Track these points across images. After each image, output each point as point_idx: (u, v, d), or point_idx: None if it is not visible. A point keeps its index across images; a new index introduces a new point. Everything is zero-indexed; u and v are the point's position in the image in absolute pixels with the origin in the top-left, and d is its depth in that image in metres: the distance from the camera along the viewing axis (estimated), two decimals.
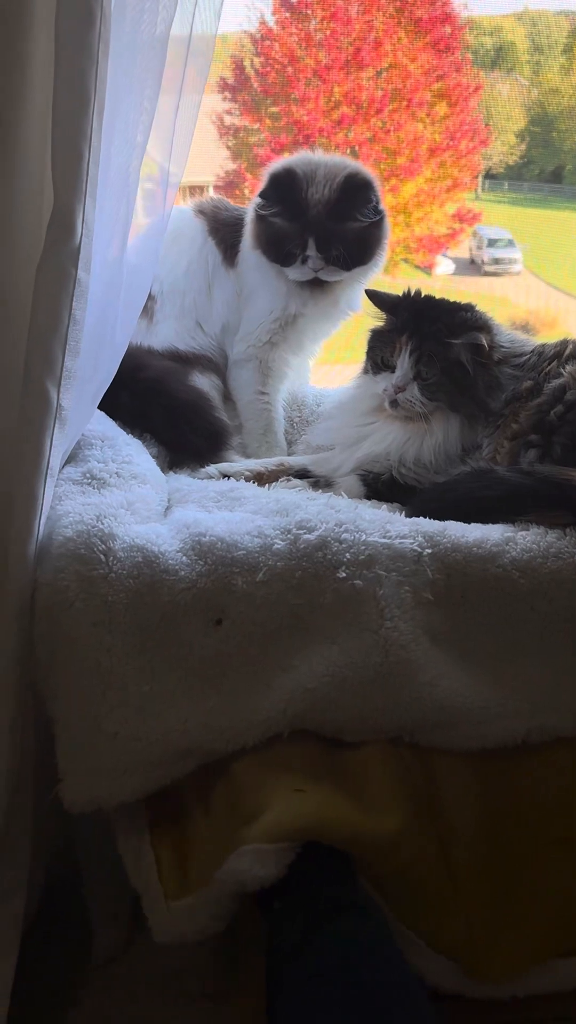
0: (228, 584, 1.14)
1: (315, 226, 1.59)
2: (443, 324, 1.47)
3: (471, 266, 12.00)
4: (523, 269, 12.03)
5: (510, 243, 12.10)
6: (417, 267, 10.70)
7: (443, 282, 11.36)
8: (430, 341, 1.46)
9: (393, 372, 1.48)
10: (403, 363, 1.47)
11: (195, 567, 1.15)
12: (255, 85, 9.37)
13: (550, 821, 1.22)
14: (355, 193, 1.60)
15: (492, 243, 11.98)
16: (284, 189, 1.60)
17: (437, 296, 1.55)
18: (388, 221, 1.69)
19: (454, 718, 1.15)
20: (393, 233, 8.10)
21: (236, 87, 9.56)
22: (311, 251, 1.59)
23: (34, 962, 1.30)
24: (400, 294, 1.55)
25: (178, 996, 1.40)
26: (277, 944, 1.05)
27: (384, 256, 1.71)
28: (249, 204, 1.70)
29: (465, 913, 1.18)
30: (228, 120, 9.59)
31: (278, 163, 1.65)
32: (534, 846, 1.21)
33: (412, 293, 1.54)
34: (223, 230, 1.73)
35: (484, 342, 1.43)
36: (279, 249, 1.62)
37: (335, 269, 1.62)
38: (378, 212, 1.63)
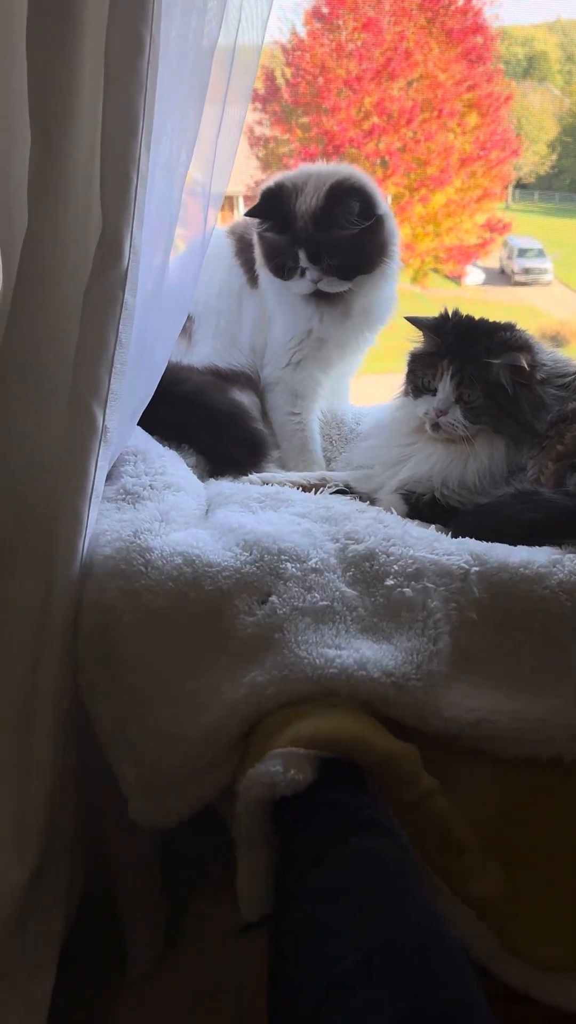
0: (276, 569, 1.14)
1: (302, 237, 1.56)
2: (483, 346, 1.45)
3: (501, 276, 11.99)
4: (554, 279, 11.99)
5: (540, 253, 12.07)
6: (447, 277, 10.69)
7: (473, 292, 11.36)
8: (471, 363, 1.44)
9: (434, 395, 1.47)
10: (444, 386, 1.45)
11: (240, 557, 1.15)
12: (285, 96, 9.42)
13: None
14: (341, 200, 1.55)
15: (522, 253, 11.97)
16: (274, 203, 1.58)
17: (476, 316, 1.53)
18: (390, 226, 1.64)
19: (490, 734, 1.11)
20: (422, 243, 8.06)
21: (267, 98, 9.61)
22: (304, 262, 1.57)
23: (68, 978, 1.30)
24: (439, 315, 1.53)
25: (212, 1014, 1.39)
26: (291, 854, 0.98)
27: (394, 263, 1.67)
28: (253, 236, 1.69)
29: (501, 875, 1.10)
30: (258, 131, 9.65)
31: (273, 178, 1.63)
32: (563, 867, 1.16)
33: (451, 314, 1.52)
34: (247, 251, 1.72)
35: (524, 363, 1.41)
36: (277, 264, 1.60)
37: (334, 279, 1.59)
38: (370, 216, 1.58)
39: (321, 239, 1.56)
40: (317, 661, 1.08)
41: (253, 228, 1.65)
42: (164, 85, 1.08)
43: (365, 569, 1.16)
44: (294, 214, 1.57)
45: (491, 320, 1.52)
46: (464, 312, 1.52)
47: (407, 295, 9.32)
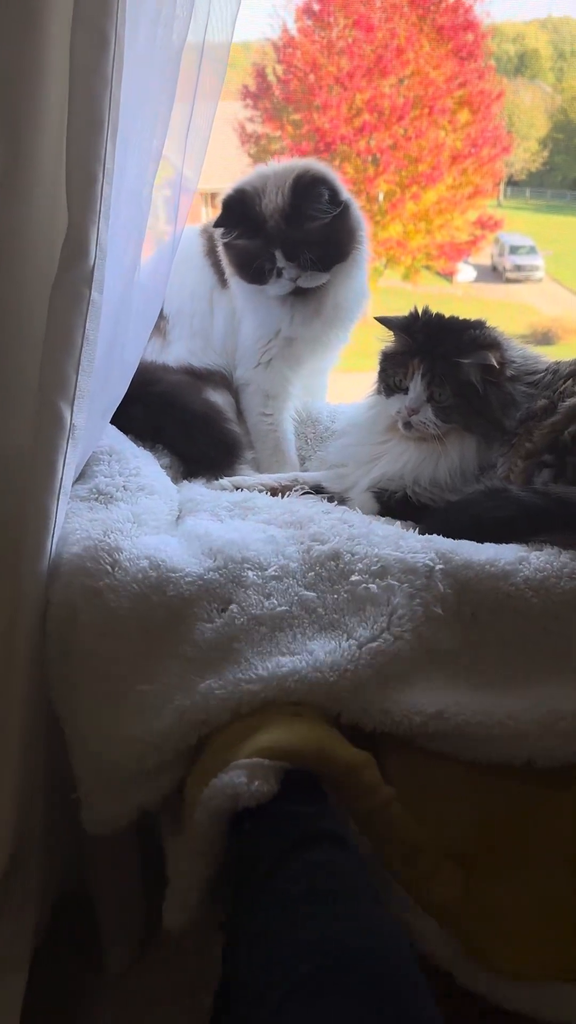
0: (238, 576, 1.14)
1: (277, 237, 1.55)
2: (452, 344, 1.45)
3: (493, 273, 12.01)
4: (545, 276, 12.01)
5: (532, 250, 12.09)
6: (438, 274, 10.70)
7: (464, 289, 11.38)
8: (441, 362, 1.44)
9: (406, 394, 1.47)
10: (415, 386, 1.46)
11: (204, 563, 1.15)
12: (277, 93, 9.42)
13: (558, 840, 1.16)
14: (306, 191, 1.55)
15: (514, 250, 11.99)
16: (238, 210, 1.57)
17: (447, 314, 1.53)
18: (356, 213, 1.63)
19: (449, 729, 1.10)
20: (414, 240, 8.06)
21: (258, 95, 9.61)
22: (281, 262, 1.56)
23: (45, 976, 1.30)
24: (408, 314, 1.53)
25: (191, 1012, 1.38)
26: (247, 864, 0.97)
27: (364, 251, 1.66)
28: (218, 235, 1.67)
29: (460, 879, 1.10)
30: (250, 128, 9.65)
31: (228, 187, 1.62)
32: (538, 866, 1.15)
33: (421, 313, 1.52)
34: (216, 252, 1.70)
35: (493, 361, 1.41)
36: (252, 269, 1.58)
37: (313, 273, 1.59)
38: (337, 204, 1.58)
39: (295, 235, 1.55)
40: (268, 670, 1.09)
41: (218, 239, 1.64)
42: (132, 83, 1.08)
43: (330, 568, 1.17)
44: (262, 216, 1.56)
45: (461, 318, 1.52)
46: (434, 310, 1.52)
47: (398, 292, 9.32)
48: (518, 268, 11.96)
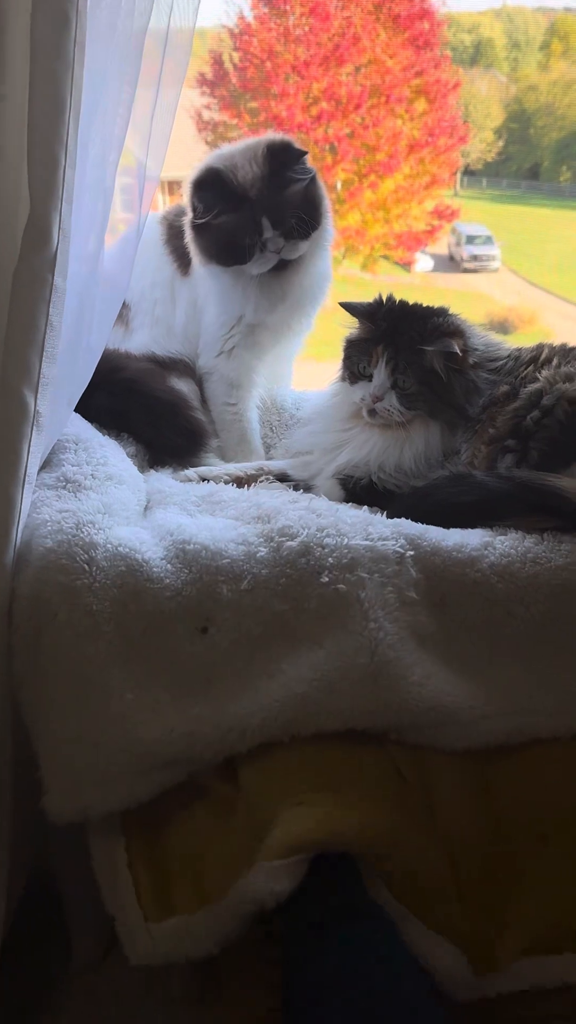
0: (213, 592, 1.14)
1: (262, 204, 1.54)
2: (416, 332, 1.46)
3: (450, 263, 12.04)
4: (501, 266, 12.07)
5: (488, 240, 12.14)
6: (396, 264, 10.70)
7: (422, 279, 11.40)
8: (405, 350, 1.45)
9: (370, 381, 1.48)
10: (379, 373, 1.46)
11: (180, 575, 1.15)
12: (234, 80, 9.33)
13: (531, 819, 1.24)
14: (282, 155, 1.55)
15: (471, 240, 12.03)
16: (214, 187, 1.55)
17: (411, 302, 1.53)
18: (320, 182, 1.63)
19: (443, 718, 1.15)
20: (372, 229, 8.07)
21: (214, 82, 9.51)
22: (268, 232, 1.54)
23: (14, 968, 1.30)
24: (372, 301, 1.53)
25: (161, 1001, 1.40)
26: (289, 953, 1.08)
27: (330, 227, 1.67)
28: (184, 223, 1.65)
29: (466, 905, 1.20)
30: (207, 115, 9.55)
31: (193, 171, 1.60)
32: (520, 844, 1.24)
33: (385, 300, 1.52)
34: (177, 238, 1.69)
35: (456, 348, 1.42)
36: (234, 248, 1.56)
37: (295, 242, 1.58)
38: (311, 169, 1.58)
39: (280, 201, 1.54)
40: (250, 705, 1.13)
41: (189, 223, 1.61)
42: (94, 68, 1.08)
43: (301, 567, 1.16)
44: (241, 188, 1.54)
45: (424, 305, 1.52)
46: (398, 298, 1.52)
47: (357, 282, 9.31)
48: (475, 258, 12.01)
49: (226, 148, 1.60)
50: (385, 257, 9.99)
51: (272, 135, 1.59)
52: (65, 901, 1.39)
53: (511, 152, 14.45)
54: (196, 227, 1.59)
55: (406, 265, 11.04)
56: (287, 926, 1.12)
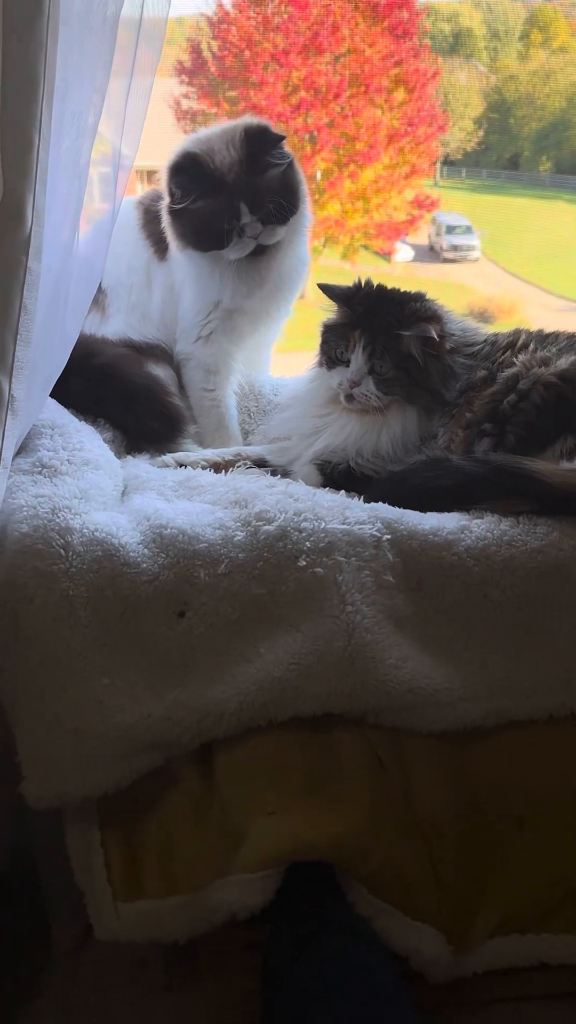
0: (190, 576, 1.14)
1: (240, 189, 1.52)
2: (393, 317, 1.46)
3: (430, 253, 12.06)
4: (481, 256, 12.09)
5: (468, 230, 12.16)
6: (376, 254, 10.71)
7: (402, 269, 11.41)
8: (382, 335, 1.45)
9: (347, 366, 1.47)
10: (357, 358, 1.46)
11: (157, 560, 1.15)
12: (212, 69, 9.29)
13: (507, 801, 1.26)
14: (260, 139, 1.53)
15: (450, 230, 12.04)
16: (191, 172, 1.53)
17: (388, 286, 1.53)
18: (298, 167, 1.61)
19: (420, 701, 1.16)
20: (352, 219, 8.05)
21: (193, 71, 9.47)
22: (246, 217, 1.52)
23: None
24: (352, 285, 1.53)
25: (141, 985, 1.40)
26: (268, 967, 1.10)
27: (307, 212, 1.66)
28: (160, 208, 1.63)
29: (443, 889, 1.22)
30: (185, 104, 9.51)
31: (171, 155, 1.58)
32: (495, 825, 1.26)
33: (363, 284, 1.52)
34: (153, 223, 1.67)
35: (433, 333, 1.42)
36: (212, 233, 1.54)
37: (273, 227, 1.56)
38: (288, 153, 1.57)
39: (258, 185, 1.53)
40: (228, 690, 1.13)
41: (166, 208, 1.59)
42: (68, 53, 1.06)
43: (278, 551, 1.16)
44: (219, 172, 1.52)
45: (402, 290, 1.52)
46: (375, 282, 1.52)
47: (337, 272, 9.30)
48: (455, 248, 12.03)
49: (203, 132, 1.58)
50: (365, 247, 10.00)
51: (249, 119, 1.58)
52: (44, 886, 1.39)
53: (491, 142, 14.48)
54: (173, 212, 1.57)
55: (386, 255, 11.05)
56: (266, 938, 1.14)
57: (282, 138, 1.55)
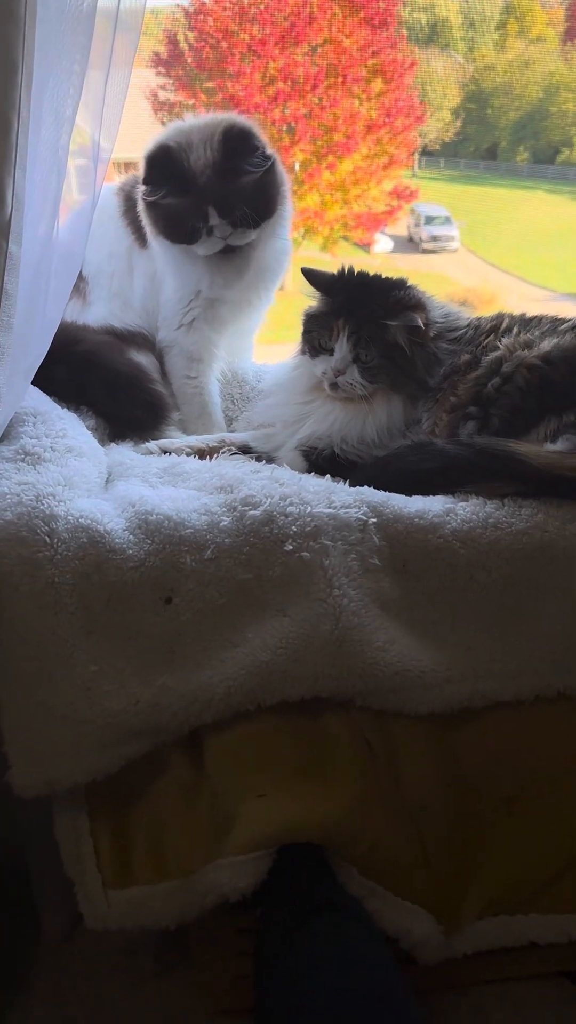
0: (176, 562, 1.14)
1: (210, 193, 1.49)
2: (378, 305, 1.45)
3: (409, 243, 12.04)
4: (460, 246, 12.09)
5: (447, 220, 12.16)
6: (356, 245, 10.69)
7: (382, 260, 11.40)
8: (367, 324, 1.44)
9: (331, 355, 1.47)
10: (341, 347, 1.45)
11: (143, 546, 1.14)
12: (189, 60, 9.24)
13: (496, 782, 1.27)
14: (238, 144, 1.50)
15: (429, 220, 12.03)
16: (164, 167, 1.51)
17: (371, 273, 1.53)
18: (279, 167, 1.59)
19: (407, 683, 1.17)
20: (331, 210, 8.05)
21: (170, 62, 9.41)
22: (214, 219, 1.50)
23: None
24: (335, 273, 1.52)
25: (131, 973, 1.41)
26: (261, 951, 1.10)
27: (288, 205, 1.64)
28: (136, 194, 1.61)
29: (433, 870, 1.23)
30: (162, 95, 9.45)
31: (149, 143, 1.56)
32: (484, 807, 1.27)
33: (346, 272, 1.52)
34: (133, 211, 1.65)
35: (420, 322, 1.42)
36: (181, 229, 1.53)
37: (244, 230, 1.54)
38: (268, 157, 1.53)
39: (229, 190, 1.51)
40: (215, 675, 1.14)
41: (141, 197, 1.58)
42: (46, 41, 1.05)
43: (264, 535, 1.16)
44: (192, 172, 1.51)
45: (384, 276, 1.52)
46: (358, 269, 1.52)
47: (317, 263, 9.19)
48: (434, 239, 12.02)
49: (186, 122, 1.56)
50: (345, 238, 9.98)
51: (234, 118, 1.56)
52: (33, 874, 1.39)
53: (468, 132, 14.48)
54: (147, 202, 1.56)
55: (366, 246, 11.03)
56: (258, 921, 1.14)
57: (260, 148, 1.53)
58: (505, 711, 1.23)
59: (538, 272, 11.12)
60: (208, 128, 1.52)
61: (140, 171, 1.56)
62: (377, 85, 9.18)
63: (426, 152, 13.94)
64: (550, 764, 1.27)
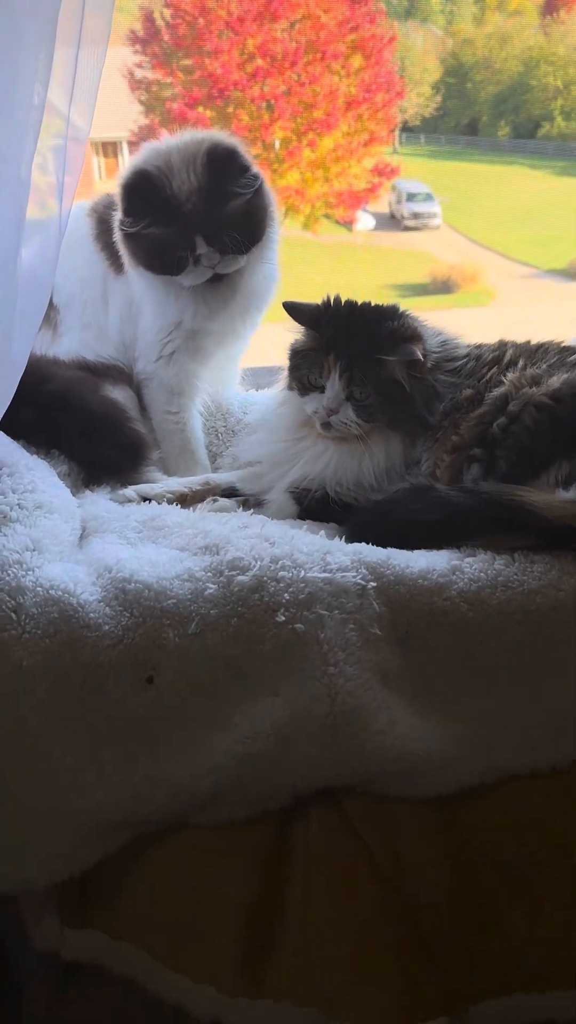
0: (158, 638, 1.05)
1: (197, 221, 1.40)
2: (371, 338, 1.35)
3: (391, 221, 11.95)
4: (442, 223, 12.00)
5: (429, 197, 12.08)
6: (338, 223, 10.60)
7: (364, 238, 11.31)
8: (360, 359, 1.34)
9: (322, 392, 1.36)
10: (333, 385, 1.35)
11: (120, 620, 1.05)
12: (166, 38, 9.12)
13: (508, 859, 1.18)
14: (225, 166, 1.41)
15: (411, 197, 11.96)
16: (145, 195, 1.41)
17: (359, 302, 1.42)
18: (266, 186, 1.49)
19: (411, 766, 1.08)
20: (312, 188, 7.96)
21: (146, 40, 9.28)
22: (202, 248, 1.41)
23: None
24: (320, 304, 1.41)
25: None
26: None
27: (276, 227, 1.54)
28: (113, 223, 1.50)
29: (438, 970, 1.15)
30: (139, 74, 9.33)
31: (125, 170, 1.46)
32: (496, 885, 1.18)
33: (333, 302, 1.41)
34: (108, 233, 1.54)
35: (419, 355, 1.32)
36: (165, 260, 1.43)
37: (233, 257, 1.44)
38: (255, 177, 1.44)
39: (217, 217, 1.41)
40: (201, 764, 1.05)
41: (119, 228, 1.47)
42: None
43: (253, 604, 1.07)
44: (176, 200, 1.41)
45: (373, 304, 1.42)
46: (344, 299, 1.41)
47: (299, 241, 9.20)
48: (416, 216, 11.93)
49: (163, 143, 1.46)
50: (326, 216, 9.90)
51: (216, 136, 1.46)
52: (10, 947, 1.34)
53: (449, 107, 14.36)
54: (127, 233, 1.45)
55: (347, 224, 10.94)
56: None
57: (248, 167, 1.43)
58: (519, 784, 1.14)
59: (520, 249, 11.06)
60: (189, 149, 1.42)
61: (117, 198, 1.45)
62: (356, 61, 9.11)
63: (406, 128, 13.80)
64: (567, 835, 1.18)
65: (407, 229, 11.86)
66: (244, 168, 1.42)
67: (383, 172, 9.62)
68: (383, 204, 11.62)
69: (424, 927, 1.15)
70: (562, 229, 10.92)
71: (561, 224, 11.13)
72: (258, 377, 1.82)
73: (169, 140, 1.46)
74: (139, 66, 9.34)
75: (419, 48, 13.75)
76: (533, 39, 13.73)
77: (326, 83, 8.92)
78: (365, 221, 11.41)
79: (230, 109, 8.77)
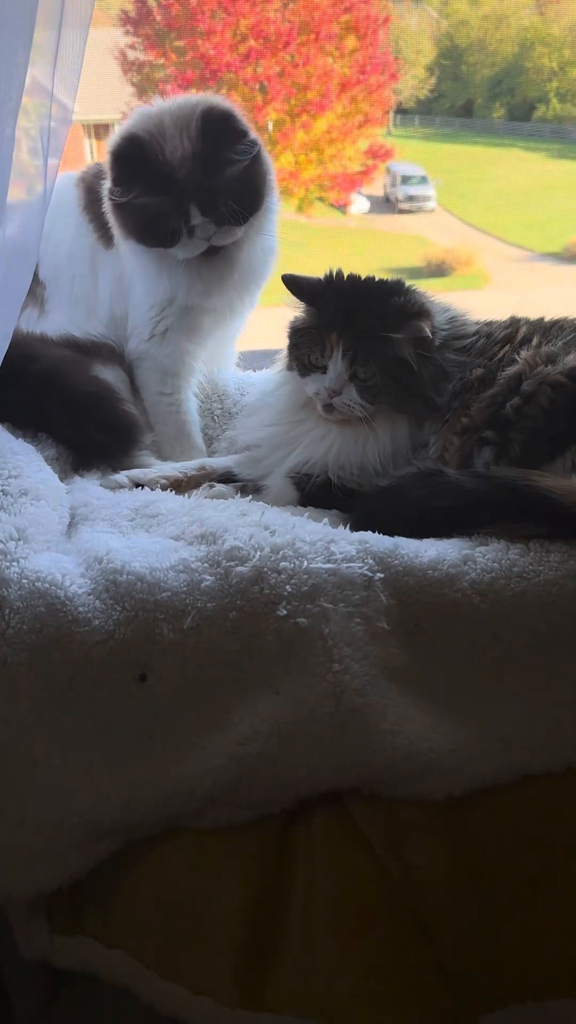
0: (151, 633, 0.99)
1: (192, 189, 1.33)
2: (376, 314, 1.28)
3: (386, 204, 11.86)
4: (437, 206, 11.92)
5: (423, 180, 11.96)
6: (332, 206, 10.50)
7: (358, 221, 11.21)
8: (365, 338, 1.27)
9: (324, 373, 1.29)
10: (335, 365, 1.28)
11: (111, 614, 0.99)
12: (158, 18, 8.98)
13: (521, 861, 1.12)
14: (221, 130, 1.34)
15: (406, 180, 11.84)
16: (136, 162, 1.33)
17: (363, 277, 1.35)
18: (264, 153, 1.42)
19: (421, 767, 1.02)
20: (306, 170, 7.89)
21: (138, 20, 9.14)
22: (197, 219, 1.34)
23: None
24: (322, 279, 1.34)
25: None
26: None
27: (275, 197, 1.47)
28: (102, 193, 1.43)
29: (447, 980, 1.10)
30: (131, 55, 9.17)
31: (115, 136, 1.38)
32: (508, 889, 1.13)
33: (335, 277, 1.33)
34: (97, 204, 1.46)
35: (427, 332, 1.25)
36: (158, 231, 1.35)
37: (229, 228, 1.37)
38: (253, 143, 1.36)
39: (213, 184, 1.34)
40: (197, 765, 1.00)
41: (108, 198, 1.40)
42: None
43: (253, 597, 1.01)
44: (168, 166, 1.33)
45: (377, 279, 1.35)
46: (347, 273, 1.34)
47: (293, 225, 9.09)
48: (410, 199, 11.81)
49: (155, 106, 1.38)
50: (320, 199, 9.81)
51: (211, 99, 1.38)
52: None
53: (444, 89, 14.17)
54: (116, 204, 1.38)
55: (342, 207, 10.85)
56: None
57: (245, 132, 1.35)
58: (531, 785, 1.08)
59: (516, 232, 10.96)
60: (183, 113, 1.34)
61: (106, 167, 1.38)
62: (351, 42, 8.97)
63: (401, 110, 13.65)
64: None
65: (402, 212, 11.75)
66: (241, 132, 1.34)
67: (377, 154, 9.51)
68: (378, 187, 11.53)
69: (434, 936, 1.09)
70: (557, 212, 10.83)
71: (556, 207, 11.02)
72: (255, 361, 1.74)
73: (161, 103, 1.38)
74: (131, 47, 9.21)
75: (414, 29, 13.60)
76: (528, 20, 13.55)
77: (320, 64, 8.79)
78: (360, 204, 11.31)
79: (223, 91, 8.67)
